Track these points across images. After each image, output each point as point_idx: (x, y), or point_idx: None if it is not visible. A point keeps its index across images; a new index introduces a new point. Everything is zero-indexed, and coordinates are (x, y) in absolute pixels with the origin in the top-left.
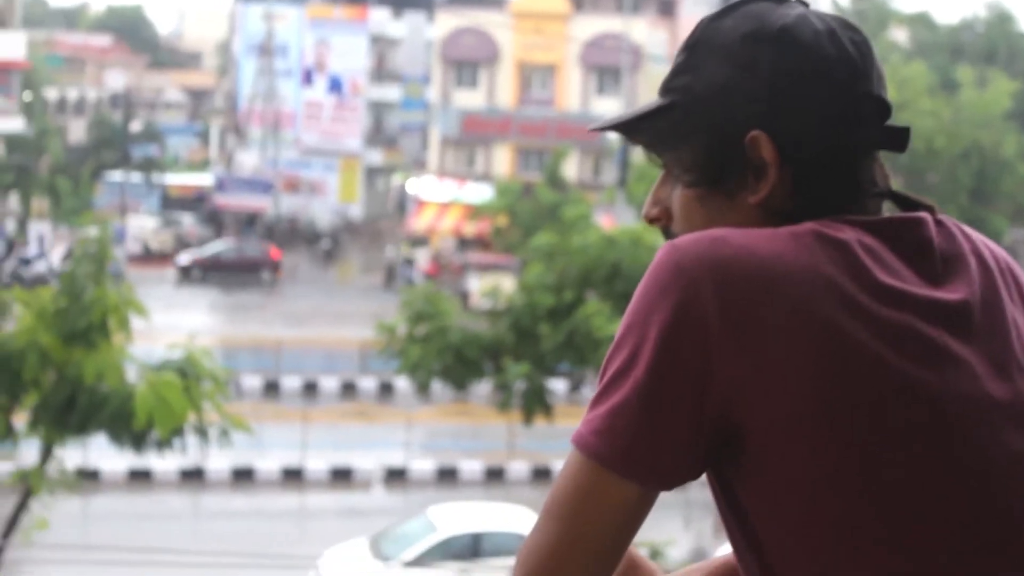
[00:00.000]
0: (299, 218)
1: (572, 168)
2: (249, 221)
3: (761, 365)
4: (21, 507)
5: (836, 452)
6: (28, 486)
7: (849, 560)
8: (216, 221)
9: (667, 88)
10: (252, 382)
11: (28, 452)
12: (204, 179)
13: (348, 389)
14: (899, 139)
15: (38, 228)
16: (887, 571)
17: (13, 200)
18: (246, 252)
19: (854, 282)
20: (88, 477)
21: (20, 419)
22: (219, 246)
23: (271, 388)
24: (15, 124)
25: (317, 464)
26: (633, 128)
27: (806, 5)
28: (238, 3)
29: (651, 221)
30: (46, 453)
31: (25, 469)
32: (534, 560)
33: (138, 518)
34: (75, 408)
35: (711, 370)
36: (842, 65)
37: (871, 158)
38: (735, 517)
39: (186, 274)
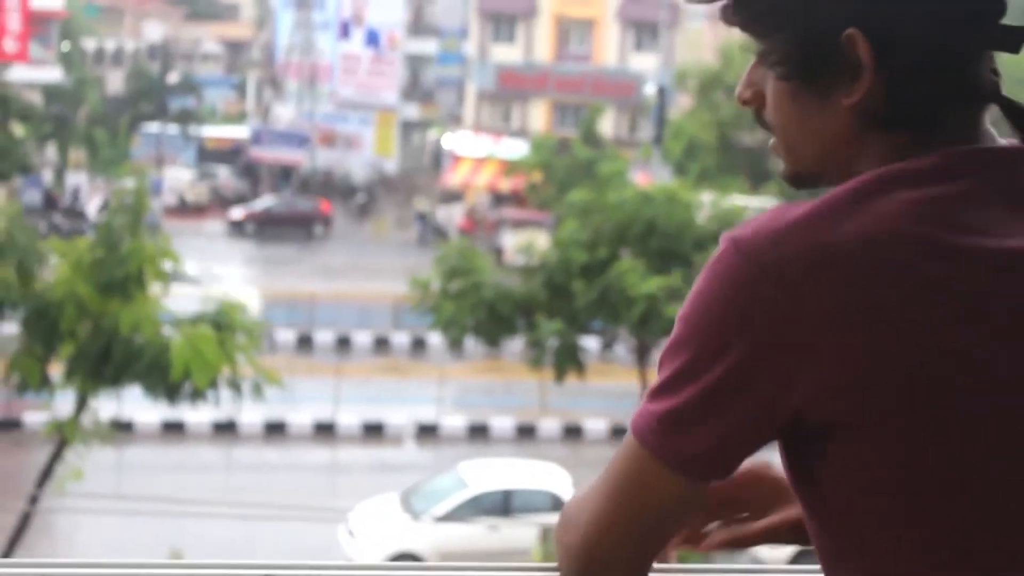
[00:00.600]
0: (334, 172)
1: (608, 125)
2: (285, 175)
3: (843, 364)
4: (56, 457)
5: (928, 443)
6: (63, 436)
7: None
8: (252, 174)
9: None
10: (286, 336)
11: (64, 403)
12: (240, 132)
13: (381, 344)
14: (1013, 39)
15: (75, 179)
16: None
17: (51, 150)
18: (298, 206)
19: (941, 258)
20: (122, 428)
21: (56, 369)
22: (270, 200)
23: (304, 342)
24: (53, 74)
25: (349, 419)
26: (734, 3)
27: None
28: None
29: (744, 103)
30: (81, 404)
31: (60, 419)
32: (581, 533)
33: (171, 470)
34: (110, 359)
35: (788, 381)
36: None
37: (979, 61)
38: (806, 485)
39: (239, 229)
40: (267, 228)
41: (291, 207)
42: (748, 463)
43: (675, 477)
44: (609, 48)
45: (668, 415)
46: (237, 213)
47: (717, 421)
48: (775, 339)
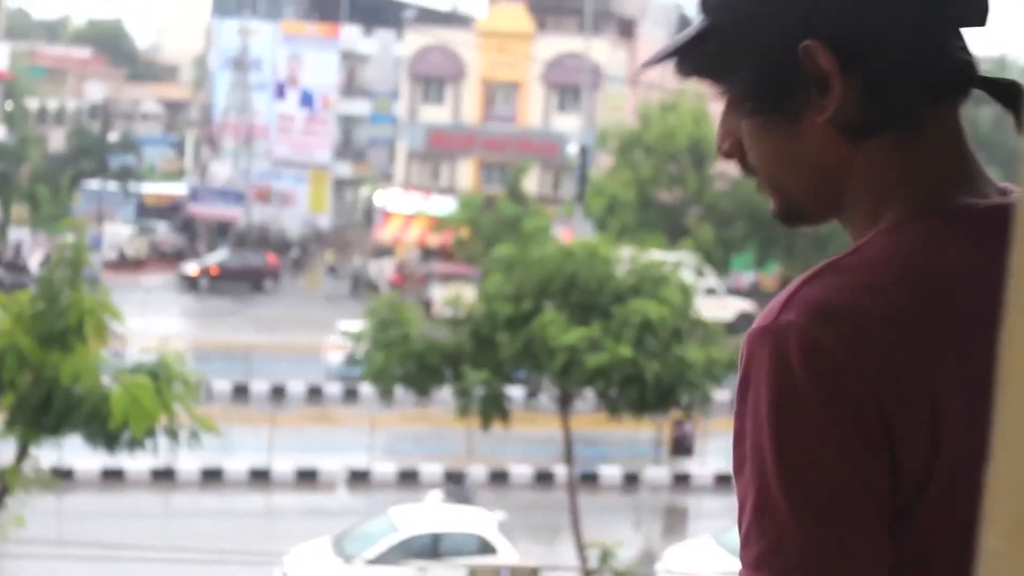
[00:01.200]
0: (270, 227)
1: (533, 182)
2: (222, 230)
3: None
4: None
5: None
6: (4, 484)
7: None
8: (190, 229)
9: (703, 6)
10: (222, 386)
11: (4, 451)
12: (179, 189)
13: (314, 393)
14: (977, 12)
15: (18, 234)
16: None
17: None
18: (248, 261)
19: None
20: (63, 476)
21: None
22: (222, 255)
23: (240, 391)
24: None
25: (283, 465)
26: (681, 57)
27: None
28: (214, 18)
29: (727, 156)
30: (22, 452)
31: (2, 468)
32: None
33: (111, 516)
34: (51, 408)
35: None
36: None
37: (949, 43)
38: None
39: (192, 284)
40: (219, 282)
41: (243, 261)
42: None
43: None
44: (534, 110)
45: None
46: (191, 268)
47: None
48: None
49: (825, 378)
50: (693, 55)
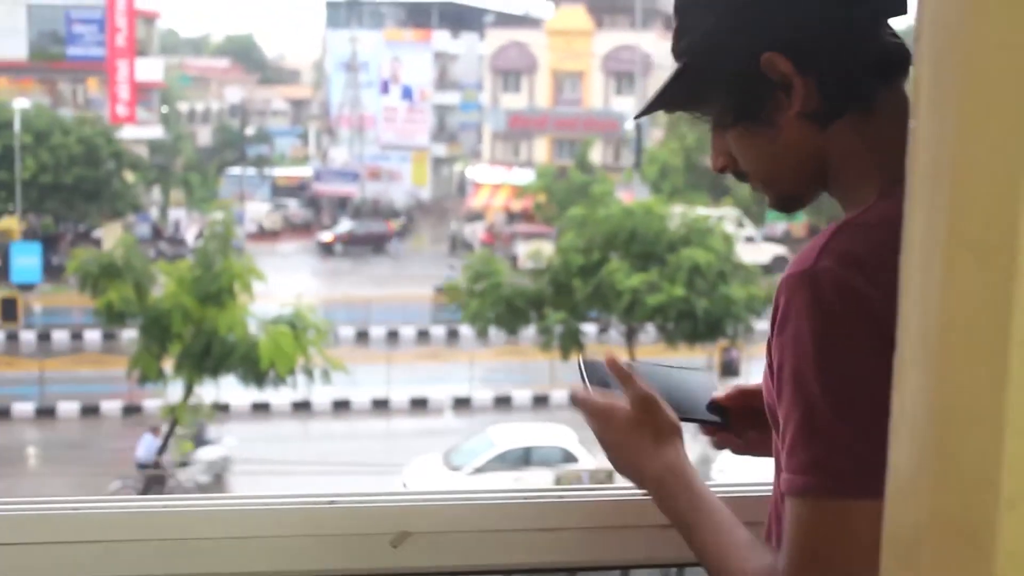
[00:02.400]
0: (380, 200)
1: (597, 155)
2: (341, 204)
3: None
4: (170, 433)
5: None
6: (175, 417)
7: None
8: (315, 205)
9: (675, 54)
10: (347, 332)
11: (174, 390)
12: (305, 171)
13: (423, 336)
14: (899, 1)
15: (176, 214)
16: None
17: (156, 192)
18: (372, 228)
19: None
20: (220, 409)
21: (168, 364)
22: (348, 224)
23: (362, 336)
24: (156, 132)
25: (399, 395)
26: (665, 102)
27: None
28: (328, 30)
29: (722, 170)
30: (188, 391)
31: (172, 404)
32: None
33: (260, 440)
34: (210, 354)
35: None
36: None
37: (880, 33)
38: None
39: (328, 249)
40: (349, 247)
41: (367, 229)
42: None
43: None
44: (595, 94)
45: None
46: (326, 236)
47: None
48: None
49: (858, 310)
50: (674, 98)
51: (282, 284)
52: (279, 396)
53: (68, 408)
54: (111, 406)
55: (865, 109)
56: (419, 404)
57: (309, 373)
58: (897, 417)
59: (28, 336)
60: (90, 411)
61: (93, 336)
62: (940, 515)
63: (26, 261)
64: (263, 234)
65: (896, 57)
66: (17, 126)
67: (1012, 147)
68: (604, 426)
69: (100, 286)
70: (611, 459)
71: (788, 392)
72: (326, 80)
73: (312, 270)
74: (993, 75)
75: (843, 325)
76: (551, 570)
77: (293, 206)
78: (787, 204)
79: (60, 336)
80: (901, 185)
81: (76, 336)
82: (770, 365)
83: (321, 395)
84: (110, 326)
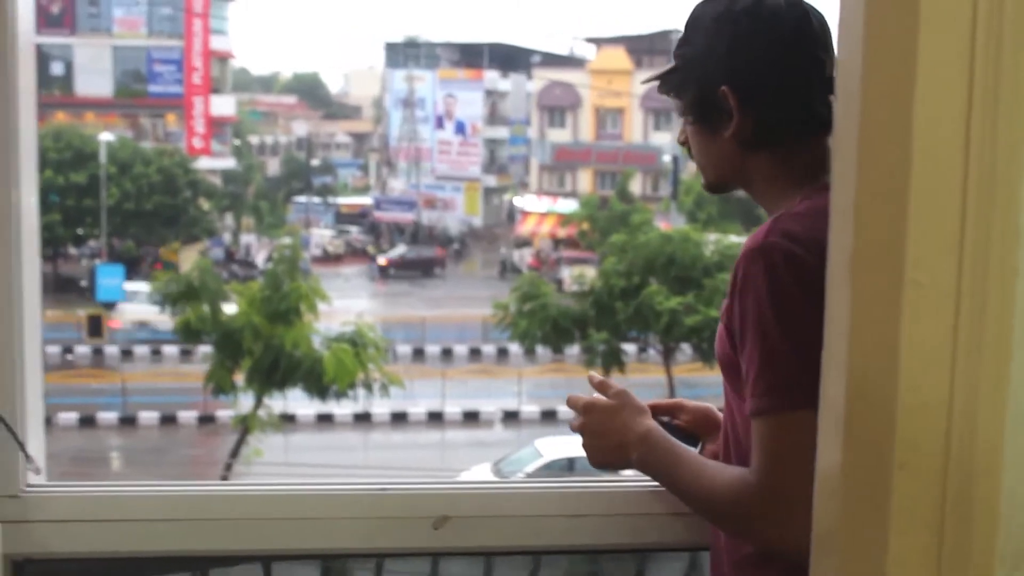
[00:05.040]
0: (435, 227)
1: (637, 185)
2: (399, 230)
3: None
4: (241, 441)
5: None
6: (246, 426)
7: None
8: (375, 231)
9: (674, 55)
10: (404, 349)
11: (245, 402)
12: (365, 200)
13: (474, 353)
14: (828, 81)
15: (247, 239)
16: None
17: (228, 218)
18: (423, 253)
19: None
20: (287, 419)
21: (239, 378)
22: (401, 249)
23: (418, 353)
24: (229, 163)
25: (453, 409)
26: (661, 82)
27: None
28: (388, 69)
29: (681, 144)
30: (258, 402)
31: (243, 414)
32: (789, 505)
33: (324, 449)
34: (278, 369)
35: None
36: (786, 36)
37: (815, 97)
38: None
39: (384, 272)
40: (402, 271)
41: (419, 254)
42: (698, 404)
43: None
44: (635, 129)
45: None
46: (381, 259)
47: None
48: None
49: (800, 272)
50: (666, 82)
51: (344, 304)
52: (341, 408)
53: (148, 417)
54: (187, 416)
55: (787, 150)
56: (471, 417)
57: (369, 387)
58: (824, 367)
59: (112, 350)
60: (168, 420)
61: (171, 351)
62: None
63: (110, 281)
64: (327, 258)
65: (822, 118)
66: (103, 157)
67: (898, 180)
68: (589, 417)
69: (178, 305)
70: (593, 444)
71: (752, 337)
72: (385, 115)
73: (372, 292)
74: (882, 132)
75: (791, 284)
76: (575, 552)
77: (355, 232)
78: (714, 190)
79: (141, 350)
80: (818, 193)
81: (156, 351)
82: (727, 324)
83: (380, 407)
84: (187, 342)
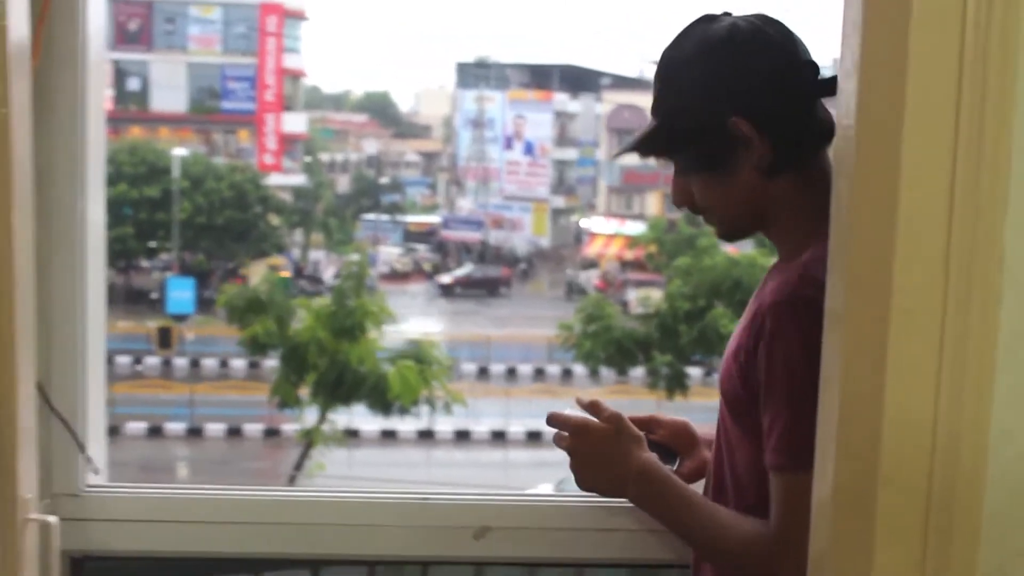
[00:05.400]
0: (503, 247)
1: None
2: (467, 250)
3: None
4: (305, 454)
5: None
6: (310, 440)
7: None
8: (442, 250)
9: (653, 113)
10: (469, 368)
11: (309, 416)
12: (434, 219)
13: (539, 373)
14: (831, 87)
15: (315, 255)
16: None
17: (298, 234)
18: (488, 272)
19: None
20: (351, 435)
21: (304, 392)
22: (467, 268)
23: (483, 372)
24: (299, 179)
25: (516, 428)
26: (642, 150)
27: (730, 14)
28: (458, 89)
29: (680, 207)
30: (322, 417)
31: (308, 428)
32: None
33: (387, 465)
34: (343, 384)
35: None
36: (775, 51)
37: (817, 107)
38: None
39: (448, 290)
40: (467, 289)
41: (484, 273)
42: (674, 419)
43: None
44: None
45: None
46: (446, 278)
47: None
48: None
49: None
50: (652, 147)
51: (410, 322)
52: (405, 424)
53: (214, 429)
54: (253, 428)
55: (805, 165)
56: (534, 437)
57: (432, 404)
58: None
59: (181, 362)
60: (234, 432)
61: (238, 364)
62: (839, 487)
63: (181, 294)
64: (394, 275)
65: (827, 128)
66: (176, 172)
67: (887, 216)
68: (581, 440)
69: (246, 319)
70: (586, 469)
71: (780, 393)
72: (455, 135)
73: (438, 310)
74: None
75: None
76: (606, 565)
77: (422, 250)
78: (735, 236)
79: (209, 363)
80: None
81: (223, 364)
82: (743, 365)
83: (444, 425)
84: (254, 355)
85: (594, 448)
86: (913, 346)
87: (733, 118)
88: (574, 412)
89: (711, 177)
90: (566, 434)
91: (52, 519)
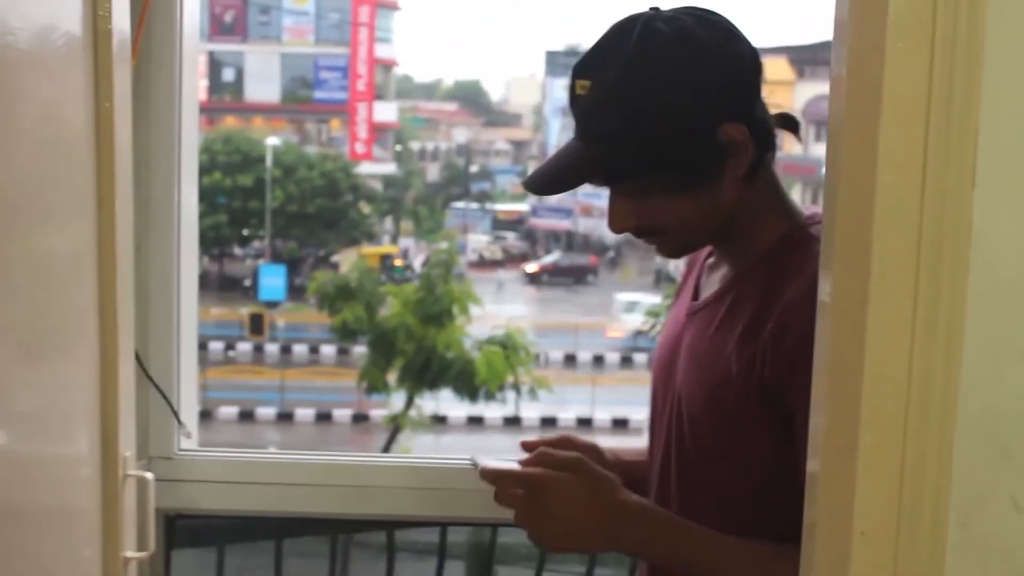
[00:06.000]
0: (591, 235)
1: (796, 197)
2: (556, 237)
3: None
4: (392, 439)
5: None
6: (397, 425)
7: None
8: (531, 238)
9: (621, 137)
10: (556, 355)
11: (396, 401)
12: (523, 207)
13: (625, 360)
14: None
15: (405, 242)
16: None
17: (388, 222)
18: (575, 260)
19: None
20: (438, 420)
21: (392, 377)
22: (555, 256)
23: (569, 359)
24: (390, 168)
25: (602, 415)
26: (611, 175)
27: (658, 9)
28: (548, 77)
29: (620, 231)
30: (409, 402)
31: (395, 413)
32: None
33: (473, 451)
34: (430, 370)
35: None
36: (743, 46)
37: (767, 114)
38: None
39: (535, 278)
40: (554, 277)
41: (571, 261)
42: (586, 441)
43: None
44: (796, 140)
45: None
46: (531, 266)
47: None
48: None
49: None
50: (618, 170)
51: (498, 309)
52: (491, 411)
53: (304, 414)
54: (342, 413)
55: (764, 170)
56: (620, 423)
57: (517, 390)
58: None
59: (272, 348)
60: (323, 417)
61: (328, 350)
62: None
63: (272, 281)
64: (483, 263)
65: (772, 133)
66: (269, 161)
67: (866, 196)
68: (545, 496)
69: (336, 305)
70: (557, 530)
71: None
72: (545, 123)
73: (526, 297)
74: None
75: None
76: None
77: (511, 238)
78: (683, 253)
79: (299, 349)
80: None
81: (313, 349)
82: (760, 377)
83: (530, 412)
84: (343, 341)
85: (566, 501)
86: (889, 309)
87: (726, 124)
88: (505, 463)
89: (691, 192)
90: (518, 491)
91: (149, 475)
